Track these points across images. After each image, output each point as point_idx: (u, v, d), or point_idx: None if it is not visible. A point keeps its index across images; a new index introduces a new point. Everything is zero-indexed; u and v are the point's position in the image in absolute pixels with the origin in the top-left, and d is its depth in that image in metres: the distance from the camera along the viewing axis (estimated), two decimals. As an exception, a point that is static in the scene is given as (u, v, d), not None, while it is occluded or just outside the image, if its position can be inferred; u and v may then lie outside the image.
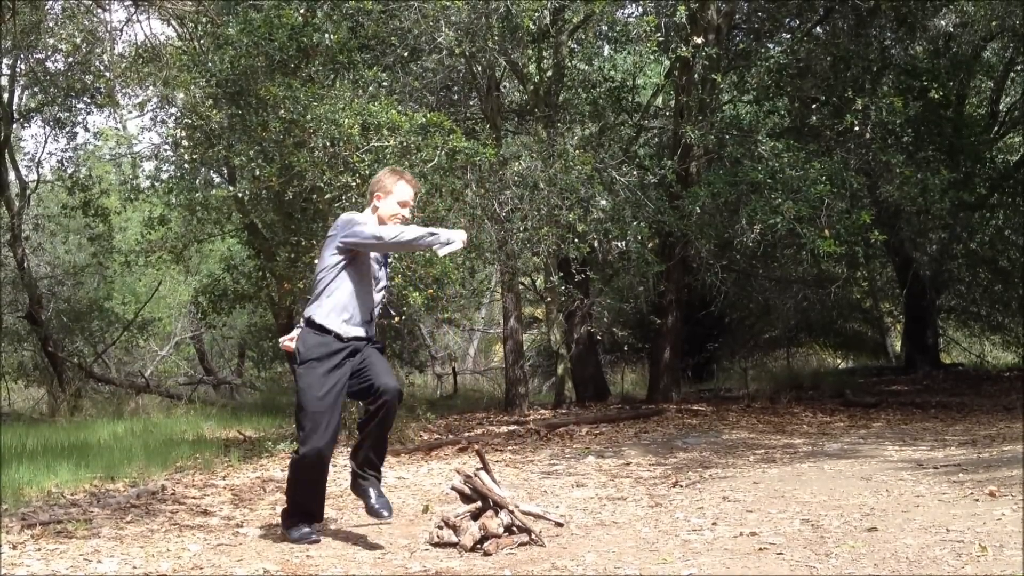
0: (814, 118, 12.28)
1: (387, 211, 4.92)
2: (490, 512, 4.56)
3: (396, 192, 4.93)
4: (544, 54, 11.11)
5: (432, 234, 4.69)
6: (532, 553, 4.34)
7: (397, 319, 8.24)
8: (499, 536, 4.46)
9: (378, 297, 5.02)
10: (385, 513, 4.82)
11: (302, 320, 4.94)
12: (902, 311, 17.20)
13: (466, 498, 4.72)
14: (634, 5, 12.57)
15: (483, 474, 4.69)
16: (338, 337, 4.78)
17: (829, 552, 4.02)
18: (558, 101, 11.31)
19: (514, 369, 11.92)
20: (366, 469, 4.93)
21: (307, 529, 4.87)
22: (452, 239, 4.68)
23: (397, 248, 5.15)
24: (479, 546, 4.44)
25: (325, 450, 4.78)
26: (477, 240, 9.76)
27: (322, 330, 4.78)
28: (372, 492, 4.88)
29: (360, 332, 4.85)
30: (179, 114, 12.47)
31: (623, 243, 11.25)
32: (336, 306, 4.80)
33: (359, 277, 4.87)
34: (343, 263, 4.81)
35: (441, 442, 8.86)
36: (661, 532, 4.66)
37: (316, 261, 5.00)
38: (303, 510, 4.93)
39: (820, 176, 9.74)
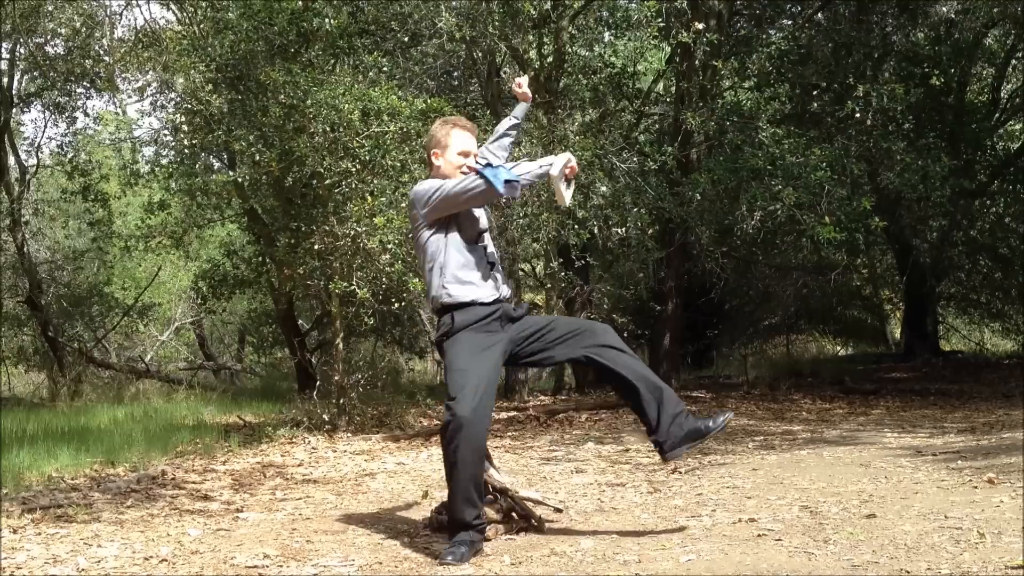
0: (815, 105, 12.27)
1: (450, 168, 4.36)
2: (489, 497, 4.57)
3: (453, 143, 4.38)
4: (545, 40, 11.08)
5: (545, 164, 4.15)
6: (531, 539, 4.35)
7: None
8: (499, 522, 4.46)
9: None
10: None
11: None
12: (902, 298, 17.20)
13: (465, 484, 4.72)
14: (635, -10, 12.53)
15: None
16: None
17: (827, 538, 4.02)
18: (559, 87, 11.27)
19: (514, 355, 11.90)
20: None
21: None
22: (561, 163, 4.13)
23: (464, 198, 4.22)
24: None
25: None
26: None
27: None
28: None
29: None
30: (179, 99, 12.47)
31: (623, 229, 11.24)
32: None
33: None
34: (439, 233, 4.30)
35: (441, 428, 8.87)
36: (660, 518, 4.67)
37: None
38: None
39: (820, 163, 9.73)
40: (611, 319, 13.08)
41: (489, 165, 4.18)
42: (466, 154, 4.36)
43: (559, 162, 4.13)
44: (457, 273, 4.26)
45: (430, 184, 4.29)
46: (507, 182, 4.08)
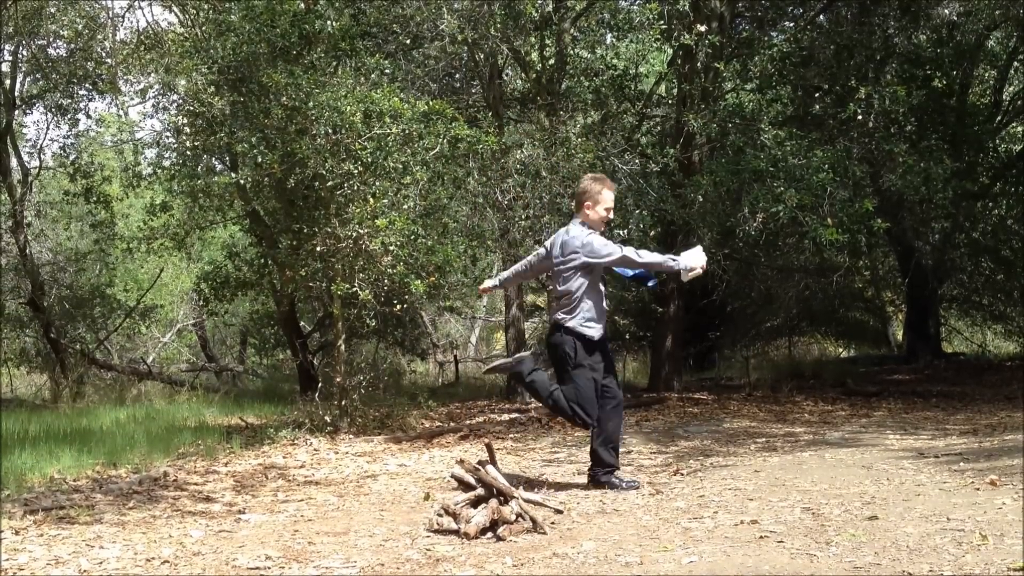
0: (817, 106, 12.25)
1: (597, 217, 5.59)
2: (494, 501, 4.57)
3: (604, 199, 5.57)
4: (546, 42, 11.08)
5: (674, 260, 5.43)
6: (533, 540, 4.35)
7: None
8: (512, 522, 4.47)
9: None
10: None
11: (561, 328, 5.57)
12: (904, 300, 17.17)
13: (465, 486, 4.73)
14: (637, -8, 12.52)
15: (489, 465, 4.71)
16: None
17: (829, 540, 4.02)
18: (560, 89, 11.28)
19: (516, 357, 11.89)
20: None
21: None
22: (693, 265, 5.34)
23: (642, 267, 5.67)
24: (488, 532, 4.44)
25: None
26: (479, 228, 9.77)
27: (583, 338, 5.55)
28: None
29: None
30: (181, 101, 12.45)
31: (625, 231, 11.24)
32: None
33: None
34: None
35: (443, 430, 8.87)
36: (662, 520, 4.67)
37: (561, 281, 5.63)
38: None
39: (823, 165, 9.72)
40: (613, 321, 13.09)
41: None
42: (610, 210, 5.63)
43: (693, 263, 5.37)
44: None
45: (602, 241, 5.55)
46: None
